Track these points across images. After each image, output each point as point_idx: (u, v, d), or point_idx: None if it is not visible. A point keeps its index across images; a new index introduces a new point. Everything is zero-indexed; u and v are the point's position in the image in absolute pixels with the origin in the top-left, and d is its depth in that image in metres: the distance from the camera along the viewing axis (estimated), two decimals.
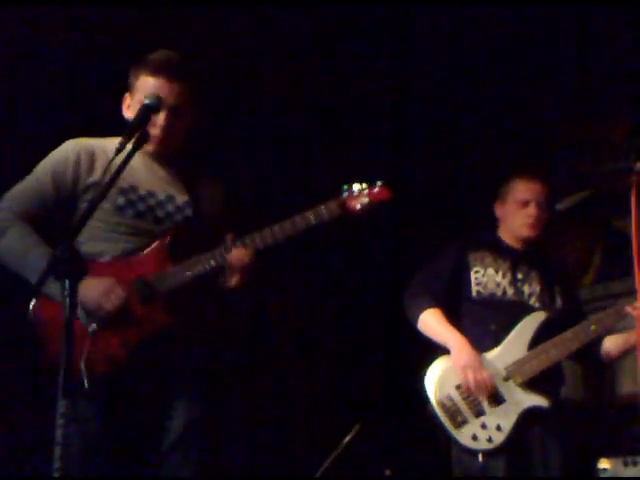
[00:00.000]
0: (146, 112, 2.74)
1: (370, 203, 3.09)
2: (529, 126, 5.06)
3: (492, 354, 3.73)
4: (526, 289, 3.86)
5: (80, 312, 2.90)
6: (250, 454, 4.77)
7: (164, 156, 3.16)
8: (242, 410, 4.75)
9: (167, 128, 3.09)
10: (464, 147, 5.24)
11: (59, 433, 2.26)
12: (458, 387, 3.67)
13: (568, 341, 3.73)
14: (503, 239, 3.97)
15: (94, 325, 2.93)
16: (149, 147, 3.09)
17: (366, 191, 3.10)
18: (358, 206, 3.08)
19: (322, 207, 3.06)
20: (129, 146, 2.65)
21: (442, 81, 5.08)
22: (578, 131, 4.95)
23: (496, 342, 3.75)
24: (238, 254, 3.02)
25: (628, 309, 3.69)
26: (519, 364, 3.71)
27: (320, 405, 5.07)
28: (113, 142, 3.13)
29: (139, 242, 3.06)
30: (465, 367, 3.65)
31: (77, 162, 3.08)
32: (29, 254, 3.00)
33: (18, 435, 3.99)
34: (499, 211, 3.98)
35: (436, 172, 5.21)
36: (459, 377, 3.67)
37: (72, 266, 2.39)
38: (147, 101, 2.75)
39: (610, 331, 3.81)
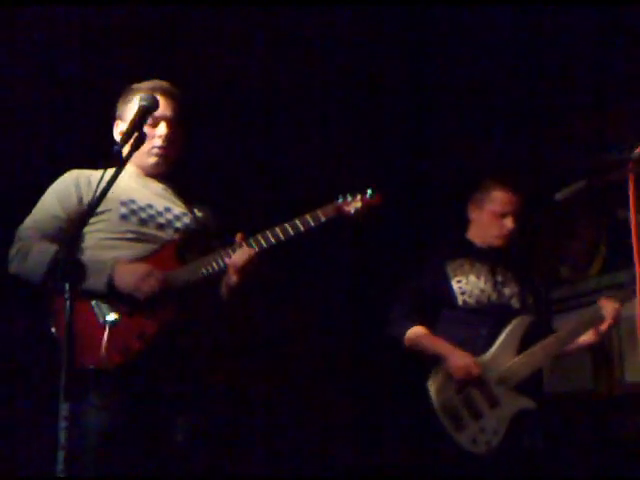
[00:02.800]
0: (144, 113, 2.76)
1: (363, 208, 3.24)
2: (526, 118, 5.07)
3: (485, 358, 3.81)
4: (507, 291, 3.93)
5: (95, 306, 2.94)
6: (269, 455, 4.79)
7: (158, 175, 3.24)
8: (257, 412, 4.76)
9: (168, 137, 3.17)
10: (458, 142, 5.25)
11: (62, 436, 2.27)
12: (458, 391, 3.74)
13: (554, 345, 3.88)
14: (474, 241, 4.02)
15: (113, 316, 2.95)
16: (150, 160, 3.18)
17: (358, 197, 3.26)
18: (352, 210, 3.23)
19: (318, 210, 3.18)
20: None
21: (435, 74, 5.10)
22: (577, 122, 4.94)
23: (487, 346, 3.84)
24: (240, 253, 3.08)
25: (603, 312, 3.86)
26: (510, 368, 3.80)
27: (332, 403, 5.08)
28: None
29: (146, 248, 3.10)
30: (461, 367, 3.72)
31: (77, 185, 3.15)
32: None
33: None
34: (473, 214, 4.03)
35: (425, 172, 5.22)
36: (457, 379, 3.73)
37: (72, 270, 2.43)
38: (143, 102, 2.77)
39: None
